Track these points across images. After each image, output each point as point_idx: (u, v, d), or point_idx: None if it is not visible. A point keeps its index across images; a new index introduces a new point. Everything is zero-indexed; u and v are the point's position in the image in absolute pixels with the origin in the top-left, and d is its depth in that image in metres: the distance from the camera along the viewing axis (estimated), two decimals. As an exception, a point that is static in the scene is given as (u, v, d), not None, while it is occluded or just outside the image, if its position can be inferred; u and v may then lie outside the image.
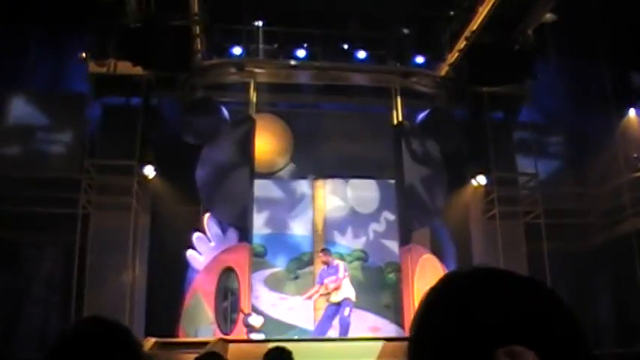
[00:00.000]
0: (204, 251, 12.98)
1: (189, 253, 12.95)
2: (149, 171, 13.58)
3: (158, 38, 12.87)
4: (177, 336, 11.96)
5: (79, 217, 12.83)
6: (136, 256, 13.14)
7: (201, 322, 12.27)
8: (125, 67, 13.29)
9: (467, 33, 12.96)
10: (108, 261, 12.73)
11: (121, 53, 13.12)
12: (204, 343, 9.74)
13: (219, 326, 12.20)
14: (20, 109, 14.44)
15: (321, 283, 12.18)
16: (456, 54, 13.61)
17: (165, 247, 13.72)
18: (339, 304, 11.92)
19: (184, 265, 13.21)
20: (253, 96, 14.00)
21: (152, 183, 13.94)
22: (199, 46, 13.68)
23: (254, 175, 13.45)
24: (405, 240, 13.35)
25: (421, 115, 14.30)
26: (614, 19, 13.19)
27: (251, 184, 13.32)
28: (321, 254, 12.58)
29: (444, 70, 14.23)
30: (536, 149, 14.82)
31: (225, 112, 13.80)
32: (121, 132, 13.64)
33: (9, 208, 12.80)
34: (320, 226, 14.07)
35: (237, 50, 14.14)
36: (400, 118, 14.16)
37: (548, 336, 0.95)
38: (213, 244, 13.05)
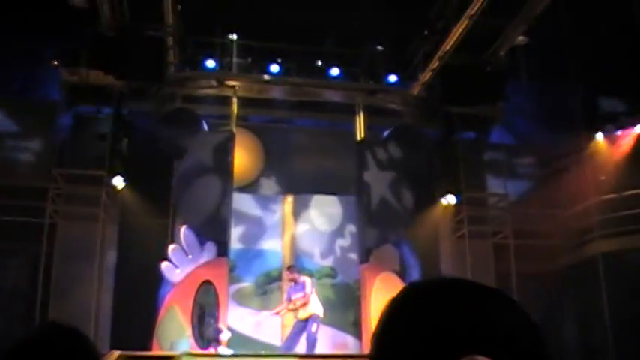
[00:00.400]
0: (180, 264, 12.89)
1: (165, 265, 12.86)
2: (118, 182, 13.45)
3: (131, 48, 12.84)
4: (150, 349, 11.84)
5: (45, 227, 12.66)
6: (102, 268, 12.98)
7: (177, 335, 12.16)
8: (97, 77, 13.21)
9: (440, 53, 13.09)
10: (74, 272, 12.55)
11: (93, 62, 13.07)
12: (169, 357, 9.64)
13: (195, 340, 12.13)
14: (-11, 115, 14.25)
15: (289, 300, 12.16)
16: (429, 73, 13.73)
17: (132, 259, 13.58)
18: (306, 320, 11.90)
19: (152, 278, 13.08)
20: (234, 110, 14.05)
21: (121, 194, 13.79)
22: (173, 57, 13.66)
23: (232, 189, 13.44)
24: (364, 258, 13.43)
25: (387, 132, 14.39)
26: (584, 45, 13.39)
27: (230, 199, 13.30)
28: (287, 272, 12.58)
29: (416, 89, 14.35)
30: (507, 170, 14.96)
31: (204, 124, 13.74)
32: (91, 141, 13.49)
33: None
34: (289, 242, 14.02)
35: (210, 63, 14.10)
36: (363, 135, 14.27)
37: (511, 346, 0.95)
38: (190, 256, 12.96)
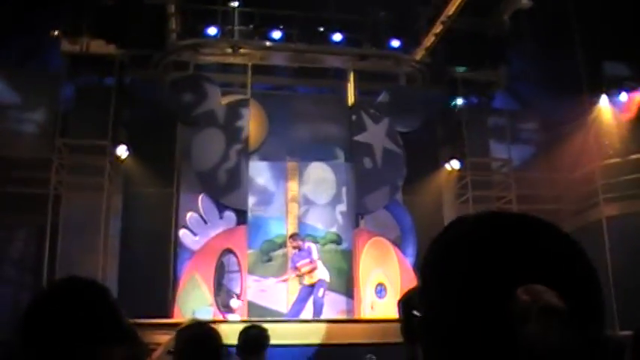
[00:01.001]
0: (198, 232, 12.98)
1: (182, 232, 12.97)
2: (122, 151, 13.46)
3: (133, 17, 12.76)
4: (172, 317, 11.97)
5: (50, 198, 12.68)
6: (108, 237, 13.02)
7: (198, 303, 12.29)
8: (99, 46, 13.13)
9: (443, 17, 12.98)
10: (79, 242, 12.60)
11: (95, 31, 12.98)
12: (177, 324, 9.70)
13: (218, 308, 12.28)
14: (-9, 87, 14.21)
15: (294, 267, 12.23)
16: (432, 38, 13.63)
17: (137, 228, 13.65)
18: (312, 286, 11.96)
19: (158, 246, 13.18)
20: (249, 76, 14.12)
21: (125, 163, 13.81)
22: (174, 25, 13.56)
23: (248, 157, 13.57)
24: (355, 223, 13.60)
25: (381, 95, 14.36)
26: (589, 7, 13.24)
27: (246, 166, 13.42)
28: (290, 240, 12.61)
29: (419, 54, 14.24)
30: (510, 135, 14.92)
31: (217, 92, 13.71)
32: (93, 112, 13.47)
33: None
34: (294, 209, 14.04)
35: (212, 30, 14.01)
36: (353, 99, 14.32)
37: (567, 277, 0.94)
38: (208, 224, 13.08)
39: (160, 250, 13.38)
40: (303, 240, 12.40)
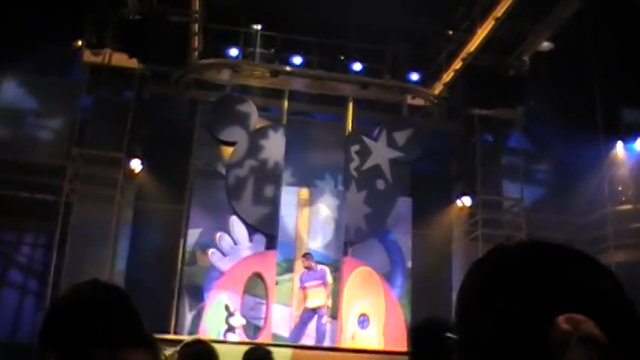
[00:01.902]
0: (227, 252, 13.04)
1: (211, 251, 13.02)
2: (136, 165, 13.51)
3: (156, 33, 12.87)
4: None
5: (61, 205, 12.73)
6: (116, 250, 13.05)
7: (224, 324, 12.28)
8: (120, 59, 13.26)
9: (463, 54, 13.04)
10: (87, 252, 12.61)
11: (117, 44, 13.11)
12: (179, 341, 9.68)
13: (244, 330, 12.37)
14: (12, 92, 14.35)
15: (303, 287, 12.14)
16: (452, 74, 13.68)
17: (145, 243, 13.67)
18: (314, 310, 11.90)
19: (164, 263, 13.19)
20: (285, 102, 14.27)
21: (138, 177, 13.86)
22: (196, 44, 13.67)
23: (281, 182, 13.68)
24: (343, 251, 13.51)
25: (376, 128, 14.36)
26: (609, 53, 13.28)
27: (279, 192, 13.52)
28: (303, 259, 12.59)
29: (438, 88, 14.29)
30: (524, 175, 14.90)
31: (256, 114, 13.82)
32: (110, 123, 13.56)
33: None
34: (303, 234, 14.02)
35: (233, 52, 14.12)
36: (350, 128, 14.39)
37: (606, 309, 0.94)
38: (238, 246, 13.17)
39: (167, 265, 13.38)
40: (315, 262, 12.36)
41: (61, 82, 14.88)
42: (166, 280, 13.22)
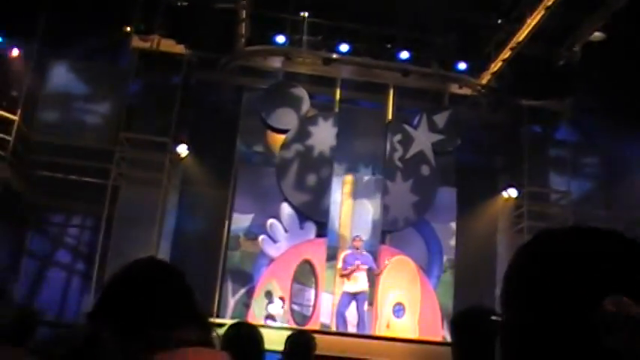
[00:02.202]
0: (278, 239, 13.17)
1: (262, 238, 13.14)
2: (182, 150, 13.65)
3: (203, 19, 12.95)
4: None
5: (109, 189, 12.94)
6: (161, 233, 13.22)
7: (274, 310, 12.41)
8: (168, 45, 13.37)
9: (512, 43, 12.85)
10: (133, 235, 12.78)
11: (165, 30, 13.21)
12: (222, 325, 9.76)
13: (292, 316, 12.45)
14: (62, 76, 14.59)
15: (345, 269, 11.86)
16: (500, 63, 13.49)
17: (190, 227, 13.82)
18: (354, 295, 11.75)
19: (208, 246, 13.31)
20: (336, 91, 14.30)
21: (184, 162, 14.00)
22: (243, 30, 13.71)
23: (333, 171, 13.75)
24: (381, 240, 13.47)
25: (417, 116, 14.35)
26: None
27: (330, 181, 13.61)
28: (356, 239, 12.26)
29: (486, 78, 14.12)
30: (571, 168, 14.67)
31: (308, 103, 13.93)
32: (158, 109, 13.70)
33: (43, 173, 13.01)
34: (346, 222, 14.01)
35: (280, 39, 14.13)
36: (390, 116, 14.32)
37: None
38: (288, 233, 13.27)
39: (210, 250, 13.51)
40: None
41: (110, 67, 15.08)
42: (210, 264, 13.34)
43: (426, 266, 13.64)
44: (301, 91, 13.93)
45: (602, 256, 0.97)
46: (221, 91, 14.54)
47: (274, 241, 13.17)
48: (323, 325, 12.67)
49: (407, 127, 14.17)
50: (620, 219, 14.51)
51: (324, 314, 12.97)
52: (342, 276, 11.93)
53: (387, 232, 13.66)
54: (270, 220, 13.26)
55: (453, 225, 14.18)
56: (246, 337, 4.05)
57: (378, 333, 12.24)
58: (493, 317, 1.07)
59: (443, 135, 14.04)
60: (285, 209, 13.41)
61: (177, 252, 13.53)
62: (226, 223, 13.65)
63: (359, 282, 11.74)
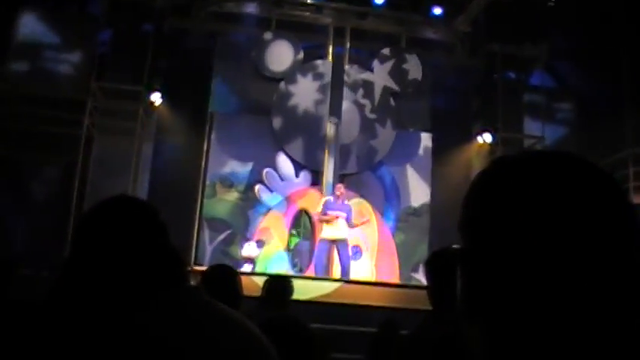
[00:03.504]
0: (274, 188, 13.13)
1: (258, 187, 13.15)
2: (156, 98, 13.51)
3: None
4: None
5: (82, 139, 12.80)
6: (136, 183, 13.15)
7: (272, 258, 12.49)
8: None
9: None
10: (108, 185, 12.67)
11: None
12: (201, 273, 9.80)
13: (293, 266, 12.56)
14: (30, 26, 14.24)
15: (325, 214, 11.64)
16: (475, 8, 13.43)
17: (166, 176, 13.76)
18: (332, 242, 11.58)
19: (185, 196, 13.30)
20: (331, 39, 14.24)
21: (158, 111, 13.87)
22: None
23: (326, 119, 13.70)
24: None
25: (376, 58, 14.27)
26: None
27: (324, 129, 13.58)
28: (341, 185, 12.04)
29: (461, 23, 14.06)
30: (545, 113, 14.75)
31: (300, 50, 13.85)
32: (130, 57, 13.49)
33: (13, 125, 12.80)
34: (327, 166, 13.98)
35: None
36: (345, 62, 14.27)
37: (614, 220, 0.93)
38: (284, 182, 13.26)
39: (187, 198, 13.49)
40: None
41: (80, 15, 14.78)
42: (186, 213, 13.34)
43: (383, 210, 13.72)
44: (293, 41, 13.91)
45: (562, 185, 0.94)
46: (194, 37, 14.33)
47: (270, 190, 13.13)
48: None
49: (363, 70, 14.17)
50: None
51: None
52: (320, 221, 11.83)
53: (344, 175, 13.61)
54: (266, 169, 13.28)
55: (429, 169, 14.28)
56: (225, 276, 4.06)
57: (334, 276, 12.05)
58: (454, 246, 1.05)
59: (406, 78, 13.96)
60: (282, 158, 13.41)
61: (153, 201, 13.43)
62: (202, 170, 13.62)
63: (337, 229, 11.56)
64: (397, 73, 13.98)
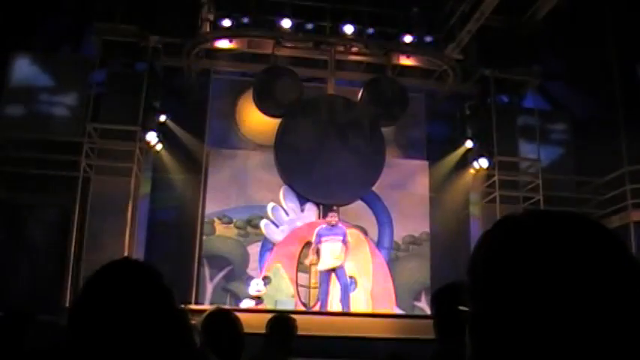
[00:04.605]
0: (280, 223, 13.04)
1: (264, 223, 12.99)
2: (151, 137, 13.53)
3: (167, 4, 12.84)
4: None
5: (79, 181, 12.80)
6: (135, 222, 13.12)
7: (280, 294, 12.35)
8: (132, 32, 13.24)
9: (477, 15, 12.87)
10: (106, 225, 12.70)
11: (128, 17, 13.09)
12: (202, 311, 9.74)
13: (300, 299, 12.41)
14: (24, 69, 14.33)
15: (319, 242, 11.71)
16: (466, 35, 13.53)
17: (164, 214, 13.76)
18: (332, 271, 11.55)
19: (183, 233, 13.28)
20: (331, 73, 14.16)
21: (154, 150, 13.89)
22: (207, 14, 13.61)
23: (330, 151, 13.48)
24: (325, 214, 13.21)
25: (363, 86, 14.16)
26: (623, 9, 13.11)
27: (329, 160, 13.36)
28: (332, 214, 12.03)
29: (452, 50, 14.16)
30: (540, 135, 14.80)
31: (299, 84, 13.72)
32: (125, 97, 13.55)
33: (10, 169, 12.80)
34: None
35: (227, 22, 13.85)
36: (332, 90, 14.20)
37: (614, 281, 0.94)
38: (289, 217, 13.14)
39: (186, 236, 13.49)
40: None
41: (74, 57, 14.89)
42: (186, 250, 13.33)
43: (377, 239, 13.71)
44: (294, 76, 13.71)
45: (566, 247, 0.95)
46: (188, 76, 14.40)
47: (276, 225, 13.05)
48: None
49: (349, 99, 14.02)
50: (589, 183, 14.74)
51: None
52: (314, 251, 11.88)
53: (338, 205, 13.40)
54: (271, 204, 13.08)
55: (427, 196, 14.29)
56: (224, 323, 4.05)
57: (329, 309, 11.88)
58: (461, 308, 1.06)
59: (389, 106, 13.86)
60: (286, 192, 13.28)
61: (153, 240, 13.48)
62: (200, 207, 13.61)
63: (334, 257, 11.50)
64: (390, 102, 13.86)
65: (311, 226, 12.87)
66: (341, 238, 11.59)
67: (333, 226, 11.78)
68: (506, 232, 1.01)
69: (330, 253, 11.57)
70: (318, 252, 11.74)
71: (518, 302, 0.94)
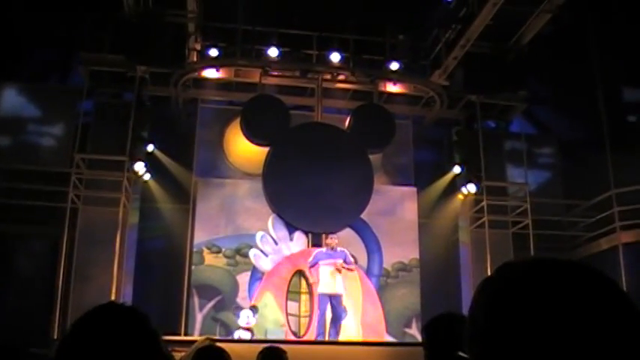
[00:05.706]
0: (269, 252, 12.94)
1: (253, 252, 12.88)
2: (139, 167, 13.51)
3: (154, 34, 12.87)
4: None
5: (67, 211, 12.74)
6: (123, 252, 13.04)
7: (271, 323, 12.28)
8: (119, 62, 13.26)
9: (463, 41, 12.97)
10: (95, 256, 12.65)
11: (115, 47, 13.12)
12: (191, 342, 9.70)
13: (290, 328, 12.29)
14: (12, 99, 14.33)
15: (314, 265, 11.75)
16: (452, 62, 13.62)
17: (153, 244, 13.70)
18: (329, 297, 11.57)
19: (172, 263, 13.20)
20: (319, 99, 14.19)
21: (142, 180, 13.86)
22: (194, 43, 13.66)
23: (318, 180, 13.37)
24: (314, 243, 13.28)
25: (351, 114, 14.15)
26: (608, 34, 13.25)
27: (317, 189, 13.25)
28: (330, 237, 12.12)
29: (438, 77, 14.24)
30: (527, 159, 14.87)
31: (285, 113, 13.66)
32: (112, 127, 13.55)
33: (-2, 200, 12.75)
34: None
35: (214, 52, 13.91)
36: (319, 117, 14.24)
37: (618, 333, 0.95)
38: (278, 246, 13.03)
39: (175, 266, 13.43)
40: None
41: (61, 87, 14.91)
42: (174, 281, 13.26)
43: (366, 267, 13.66)
44: (282, 104, 13.69)
45: (566, 297, 0.96)
46: (175, 105, 14.42)
47: (265, 254, 12.96)
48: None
49: (337, 126, 14.02)
50: (577, 206, 14.80)
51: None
52: (311, 267, 11.97)
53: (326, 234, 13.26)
54: (260, 233, 12.98)
55: (416, 223, 14.29)
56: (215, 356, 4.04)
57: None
58: (461, 354, 1.06)
59: (376, 133, 13.83)
60: (275, 221, 13.15)
61: (141, 270, 13.40)
62: (188, 237, 13.56)
63: (334, 284, 11.58)
64: (377, 129, 13.83)
65: (302, 254, 12.84)
66: (341, 261, 11.65)
67: (332, 249, 11.83)
68: (506, 280, 1.03)
69: (330, 276, 11.64)
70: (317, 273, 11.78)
71: (519, 351, 0.95)
